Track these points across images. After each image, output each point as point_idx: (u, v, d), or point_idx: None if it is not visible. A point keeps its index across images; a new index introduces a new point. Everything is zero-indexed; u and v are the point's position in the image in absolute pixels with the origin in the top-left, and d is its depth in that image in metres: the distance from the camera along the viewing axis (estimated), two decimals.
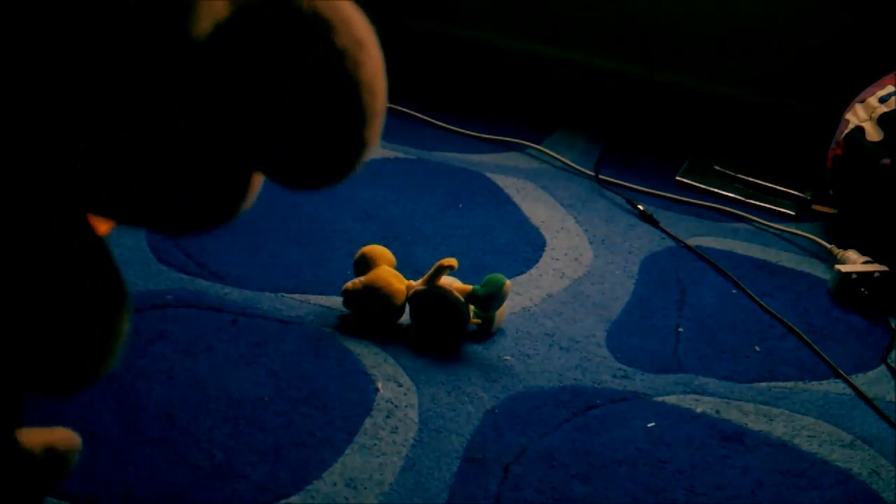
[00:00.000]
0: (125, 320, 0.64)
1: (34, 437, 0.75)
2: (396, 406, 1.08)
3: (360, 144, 0.53)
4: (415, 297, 1.18)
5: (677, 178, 1.65)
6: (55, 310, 0.58)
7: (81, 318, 0.60)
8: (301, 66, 0.51)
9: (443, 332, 1.18)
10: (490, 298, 1.15)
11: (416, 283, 1.18)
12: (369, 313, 1.20)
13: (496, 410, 1.09)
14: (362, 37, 0.53)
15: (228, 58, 0.51)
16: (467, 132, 1.73)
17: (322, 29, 0.51)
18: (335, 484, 0.97)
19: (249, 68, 0.51)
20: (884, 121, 1.40)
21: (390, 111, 1.98)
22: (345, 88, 0.52)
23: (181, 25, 0.49)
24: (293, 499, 0.94)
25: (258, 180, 0.59)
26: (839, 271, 1.35)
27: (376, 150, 0.54)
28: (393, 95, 1.95)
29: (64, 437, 0.78)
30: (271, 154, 0.53)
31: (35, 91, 0.50)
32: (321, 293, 1.25)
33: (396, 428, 1.04)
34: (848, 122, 1.45)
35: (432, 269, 1.16)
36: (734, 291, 1.35)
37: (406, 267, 1.24)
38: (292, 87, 0.51)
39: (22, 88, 0.50)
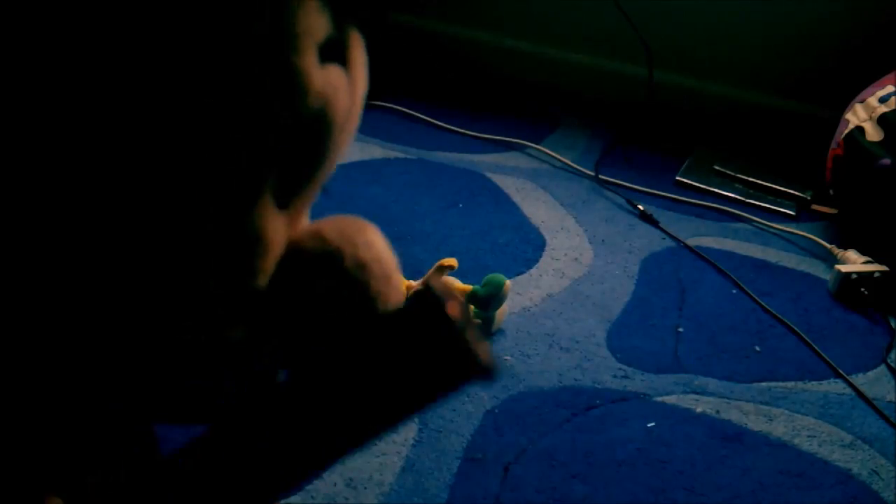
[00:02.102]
0: None
1: None
2: None
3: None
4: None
5: (677, 178, 1.65)
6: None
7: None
8: (344, 308, 0.61)
9: None
10: (490, 298, 1.15)
11: (416, 283, 1.18)
12: None
13: (496, 410, 1.09)
14: (389, 270, 0.64)
15: (276, 288, 0.59)
16: (467, 132, 1.73)
17: (363, 277, 0.62)
18: (335, 484, 0.97)
19: (288, 292, 0.59)
20: (884, 121, 1.40)
21: (391, 111, 1.98)
22: (360, 297, 0.62)
23: (253, 283, 0.57)
24: (293, 499, 0.94)
25: None
26: (839, 271, 1.35)
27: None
28: (393, 95, 1.94)
29: None
30: (293, 346, 0.62)
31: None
32: None
33: (396, 428, 1.04)
34: (848, 122, 1.45)
35: (432, 269, 1.16)
36: (734, 291, 1.35)
37: (406, 267, 1.23)
38: (321, 301, 0.60)
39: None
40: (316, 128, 0.57)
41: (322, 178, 0.62)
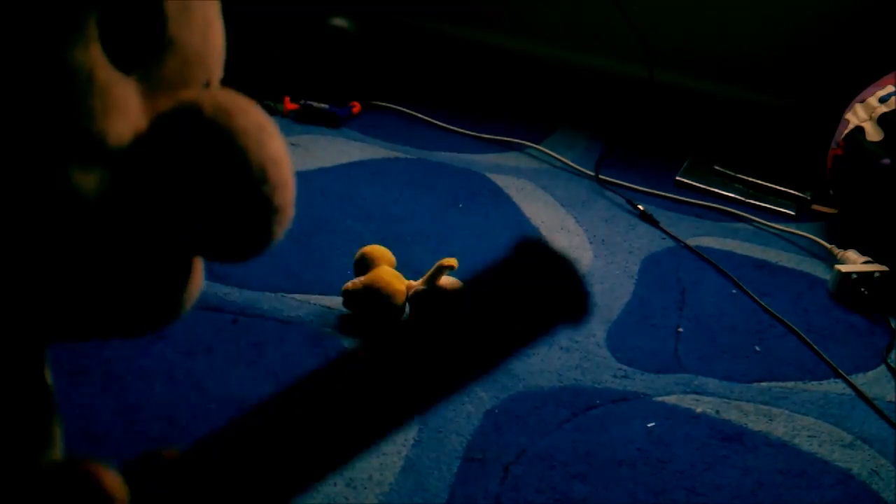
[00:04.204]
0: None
1: None
2: None
3: (275, 212, 0.59)
4: (415, 297, 1.18)
5: (677, 178, 1.65)
6: None
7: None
8: (213, 156, 0.56)
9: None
10: None
11: (416, 283, 1.18)
12: (369, 313, 1.20)
13: (496, 410, 1.09)
14: (262, 121, 0.58)
15: (150, 163, 0.56)
16: (467, 132, 1.73)
17: (225, 119, 0.56)
18: (335, 484, 0.97)
19: (172, 167, 0.56)
20: (884, 121, 1.40)
21: (391, 111, 1.97)
22: (254, 164, 0.57)
23: (93, 129, 0.54)
24: (293, 499, 0.94)
25: (199, 269, 0.63)
26: (839, 271, 1.35)
27: (292, 218, 0.60)
28: (393, 95, 1.93)
29: None
30: (199, 238, 0.57)
31: None
32: (321, 293, 1.25)
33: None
34: (848, 122, 1.45)
35: (432, 269, 1.16)
36: (734, 291, 1.35)
37: (406, 267, 1.24)
38: (210, 175, 0.56)
39: None
40: None
41: (174, 67, 0.59)
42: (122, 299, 0.58)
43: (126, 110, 0.55)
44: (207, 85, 0.63)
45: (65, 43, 0.52)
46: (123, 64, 0.55)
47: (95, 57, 0.54)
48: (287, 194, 0.59)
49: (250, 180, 0.56)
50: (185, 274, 0.61)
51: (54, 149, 0.53)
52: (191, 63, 0.60)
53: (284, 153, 0.59)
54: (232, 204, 0.56)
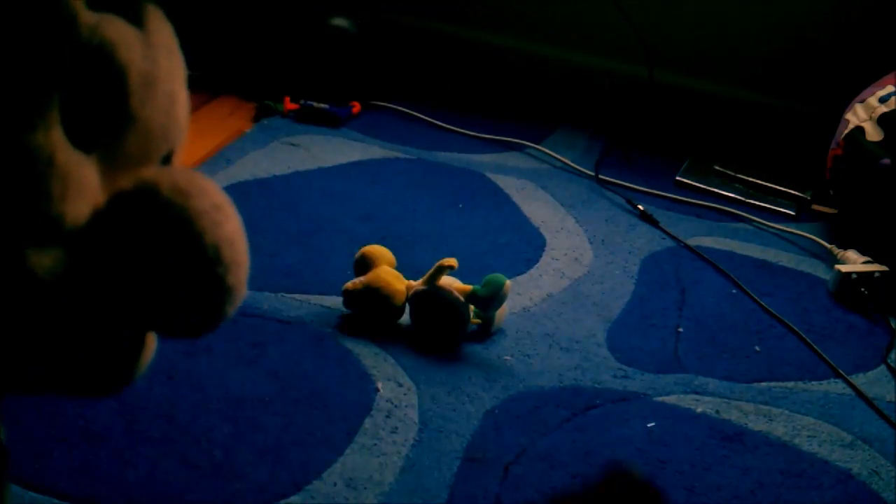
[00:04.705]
0: None
1: None
2: (396, 406, 1.08)
3: (228, 292, 0.60)
4: (415, 297, 1.18)
5: (677, 178, 1.65)
6: None
7: None
8: (168, 238, 0.56)
9: (443, 332, 1.19)
10: (490, 298, 1.15)
11: (416, 283, 1.18)
12: (369, 313, 1.20)
13: (496, 410, 1.09)
14: (219, 201, 0.58)
15: (106, 242, 0.56)
16: (467, 132, 1.73)
17: (182, 200, 0.56)
18: (335, 484, 0.97)
19: (127, 247, 0.56)
20: (884, 121, 1.40)
21: (391, 111, 1.97)
22: (209, 245, 0.57)
23: (51, 212, 0.53)
24: (293, 499, 0.94)
25: (151, 341, 0.63)
26: (839, 271, 1.35)
27: (245, 296, 0.62)
28: (393, 95, 1.93)
29: None
30: (152, 316, 0.58)
31: None
32: (321, 293, 1.25)
33: (396, 428, 1.04)
34: (848, 122, 1.45)
35: (432, 269, 1.16)
36: (734, 291, 1.35)
37: (406, 267, 1.24)
38: (165, 257, 0.56)
39: None
40: (102, 69, 0.54)
41: (136, 142, 0.59)
42: (74, 369, 0.57)
43: (84, 190, 0.55)
44: (170, 156, 0.62)
45: (25, 127, 0.52)
46: (84, 143, 0.55)
47: (56, 140, 0.53)
48: (241, 274, 0.60)
49: (205, 262, 0.56)
50: (138, 347, 0.61)
51: (11, 232, 0.52)
52: (153, 137, 0.60)
53: (240, 233, 0.59)
54: (186, 285, 0.56)
